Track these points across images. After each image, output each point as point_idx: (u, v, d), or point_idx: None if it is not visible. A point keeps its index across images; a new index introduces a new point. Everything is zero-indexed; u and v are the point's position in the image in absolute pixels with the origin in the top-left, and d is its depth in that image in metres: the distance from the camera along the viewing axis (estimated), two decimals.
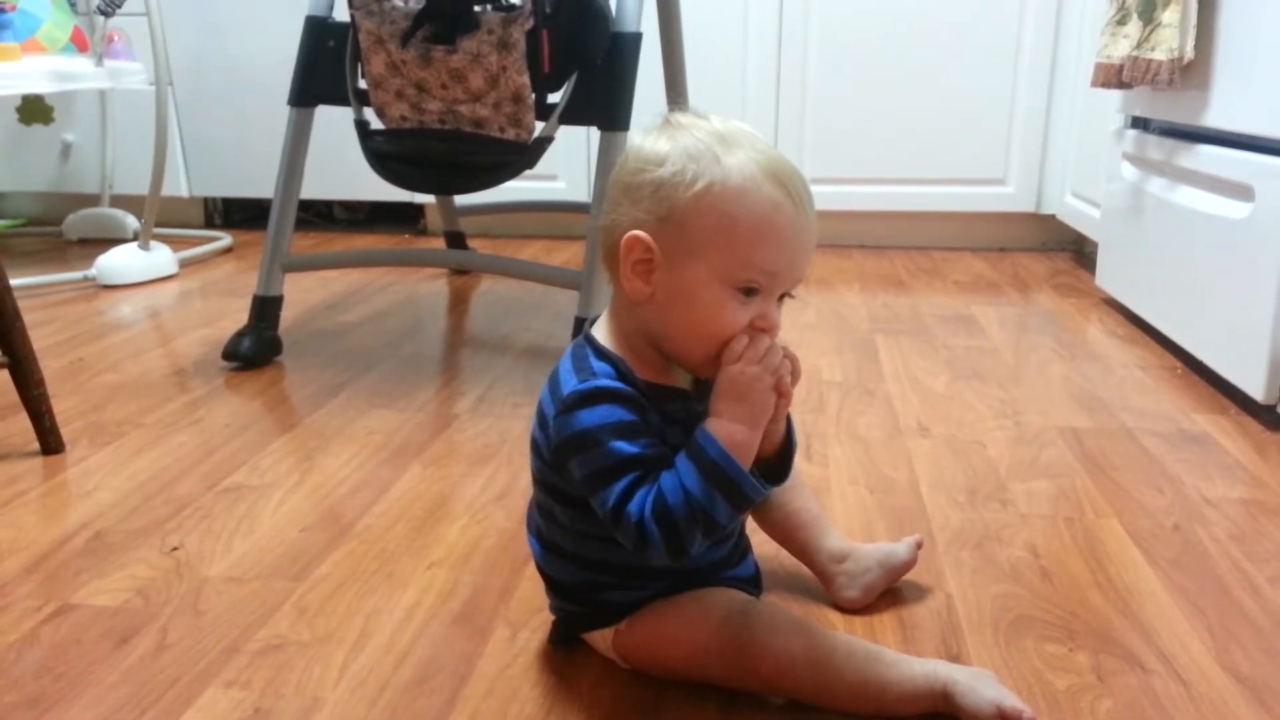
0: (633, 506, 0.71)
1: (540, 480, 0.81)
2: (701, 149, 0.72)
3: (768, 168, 0.72)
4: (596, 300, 1.50)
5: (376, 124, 1.57)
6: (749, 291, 0.73)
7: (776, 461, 0.79)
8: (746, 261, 0.72)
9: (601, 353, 0.77)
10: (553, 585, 0.85)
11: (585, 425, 0.72)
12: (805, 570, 0.96)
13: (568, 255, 2.50)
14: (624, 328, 0.78)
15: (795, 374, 0.75)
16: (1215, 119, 1.52)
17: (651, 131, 0.76)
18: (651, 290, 0.74)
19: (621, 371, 0.75)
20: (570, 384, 0.74)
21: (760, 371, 0.72)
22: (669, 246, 0.73)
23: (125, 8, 2.09)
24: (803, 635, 0.77)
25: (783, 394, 0.74)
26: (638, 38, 1.53)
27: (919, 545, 0.96)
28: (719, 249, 0.72)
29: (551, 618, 0.88)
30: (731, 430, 0.72)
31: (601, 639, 0.83)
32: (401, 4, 1.51)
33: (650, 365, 0.77)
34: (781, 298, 0.76)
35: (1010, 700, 0.74)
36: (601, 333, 0.79)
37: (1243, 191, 1.43)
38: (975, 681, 0.75)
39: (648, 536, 0.71)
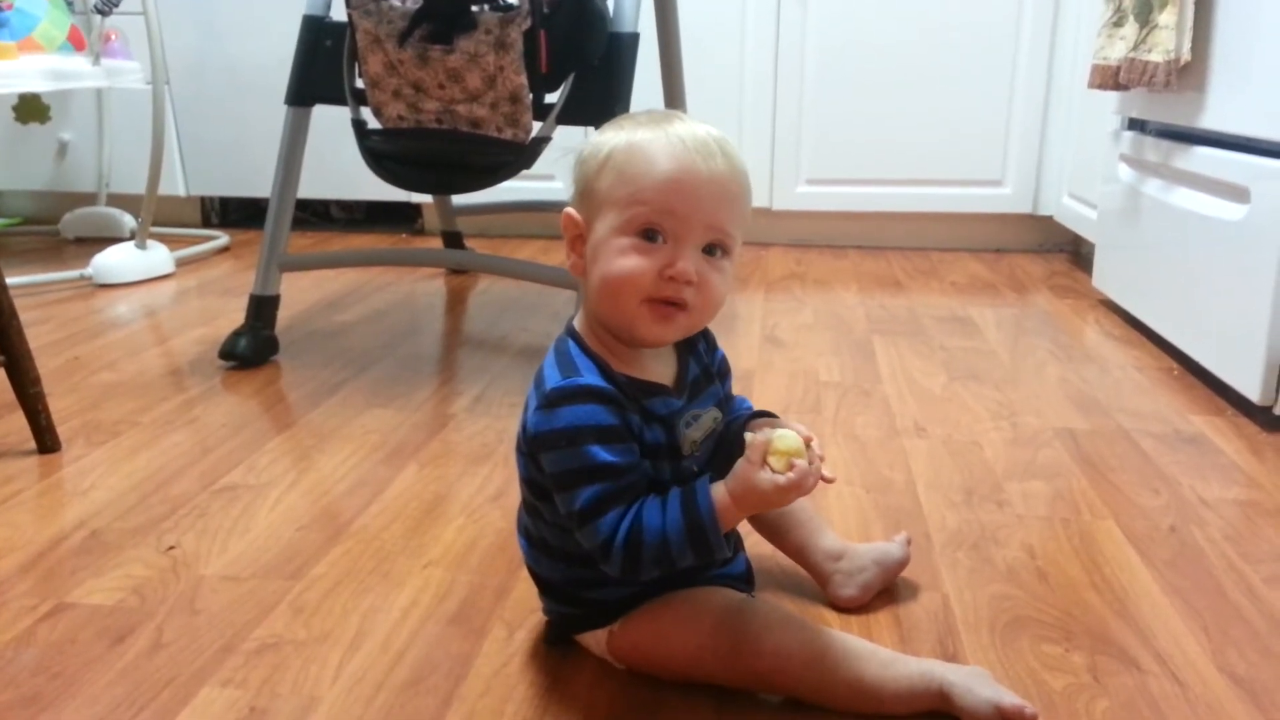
0: (604, 523, 0.73)
1: (525, 478, 0.81)
2: (619, 129, 0.76)
3: (674, 131, 0.74)
4: None
5: (374, 123, 1.57)
6: (650, 236, 0.73)
7: None
8: (636, 201, 0.73)
9: (585, 348, 0.78)
10: (543, 586, 0.85)
11: (566, 423, 0.73)
12: (801, 570, 0.96)
13: (564, 255, 2.49)
14: (589, 318, 0.79)
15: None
16: (1211, 120, 1.53)
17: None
18: (584, 263, 0.77)
19: (603, 368, 0.76)
20: (554, 379, 0.75)
21: (794, 497, 0.73)
22: (587, 216, 0.77)
23: (122, 7, 2.08)
24: (798, 631, 0.78)
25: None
26: (635, 38, 1.53)
27: (909, 541, 0.96)
28: (614, 200, 0.74)
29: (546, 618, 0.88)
30: (733, 514, 0.74)
31: (595, 641, 0.83)
32: (399, 3, 1.50)
33: (622, 357, 0.78)
34: (714, 253, 0.75)
35: (1008, 698, 0.74)
36: (580, 328, 0.80)
37: (1239, 193, 1.43)
38: (972, 681, 0.75)
39: (610, 556, 0.73)
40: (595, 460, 0.73)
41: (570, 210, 0.78)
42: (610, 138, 0.76)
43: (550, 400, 0.74)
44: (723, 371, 0.88)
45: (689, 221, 0.73)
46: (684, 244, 0.73)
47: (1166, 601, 0.94)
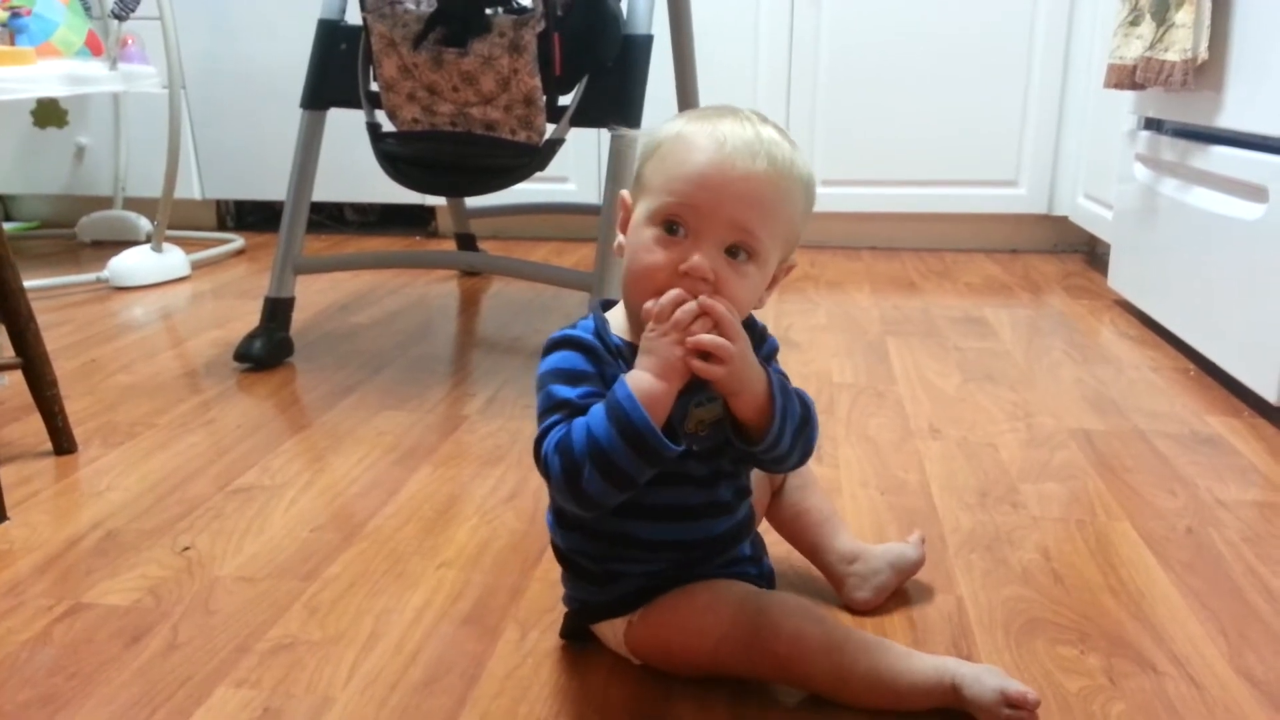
0: (546, 441, 0.74)
1: None
2: (683, 119, 0.77)
3: (725, 127, 0.74)
4: None
5: (388, 126, 1.58)
6: (671, 228, 0.73)
7: (762, 423, 0.77)
8: (665, 191, 0.74)
9: (596, 314, 0.80)
10: (566, 561, 0.85)
11: (542, 369, 0.78)
12: (816, 572, 0.96)
13: (578, 257, 2.50)
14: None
15: (731, 333, 0.72)
16: (1229, 120, 1.52)
17: None
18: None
19: (599, 328, 0.78)
20: (551, 334, 0.79)
21: (666, 329, 0.72)
22: (635, 199, 0.78)
23: (139, 12, 2.10)
24: (817, 620, 0.78)
25: (695, 350, 0.71)
26: (649, 40, 1.53)
27: (922, 540, 0.96)
28: (651, 187, 0.75)
29: (562, 615, 0.88)
30: (639, 378, 0.72)
31: (612, 633, 0.83)
32: (413, 7, 1.51)
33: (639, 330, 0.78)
34: (738, 255, 0.74)
35: (1014, 686, 0.74)
36: (617, 307, 0.82)
37: (1257, 192, 1.42)
38: (982, 673, 0.75)
39: (550, 468, 0.73)
40: (556, 396, 0.75)
41: (624, 192, 0.80)
42: (669, 126, 0.77)
43: (543, 351, 0.79)
44: (767, 358, 0.84)
45: (711, 217, 0.72)
46: (703, 240, 0.73)
47: (1183, 603, 0.93)
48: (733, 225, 0.73)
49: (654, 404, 0.71)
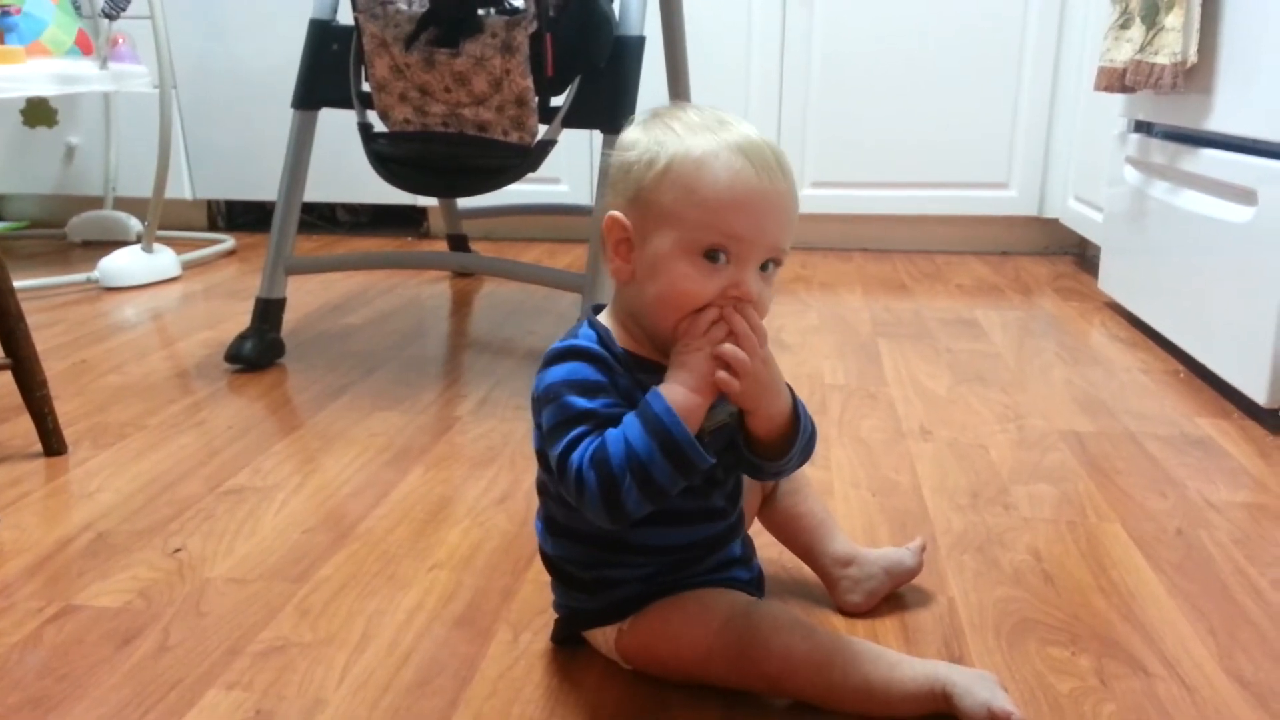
0: (575, 454, 0.73)
1: (537, 450, 0.81)
2: (670, 131, 0.75)
3: (733, 142, 0.73)
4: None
5: (380, 127, 1.58)
6: (713, 257, 0.73)
7: (775, 443, 0.79)
8: (704, 224, 0.73)
9: (592, 322, 0.80)
10: (555, 569, 0.85)
11: (551, 380, 0.76)
12: (808, 573, 0.96)
13: (570, 258, 2.50)
14: (617, 310, 0.81)
15: (749, 348, 0.73)
16: (1218, 123, 1.52)
17: (635, 122, 0.79)
18: (631, 269, 0.77)
19: (603, 338, 0.78)
20: (553, 344, 0.78)
21: (700, 344, 0.73)
22: (640, 224, 0.76)
23: (130, 11, 2.09)
24: (806, 636, 0.77)
25: (729, 364, 0.73)
26: (641, 41, 1.53)
27: (923, 548, 0.95)
28: (680, 218, 0.73)
29: (554, 617, 0.88)
30: (675, 392, 0.73)
31: (604, 639, 0.83)
32: (405, 7, 1.51)
33: (639, 342, 0.79)
34: (767, 267, 0.75)
35: (1000, 702, 0.73)
36: (603, 315, 0.82)
37: (1246, 195, 1.43)
38: (973, 684, 0.75)
39: (584, 483, 0.72)
40: (576, 407, 0.74)
41: (617, 214, 0.76)
42: (663, 142, 0.74)
43: (544, 362, 0.77)
44: None
45: (754, 245, 0.73)
46: (747, 265, 0.74)
47: (1173, 605, 0.94)
48: (772, 246, 0.74)
49: (690, 417, 0.72)
